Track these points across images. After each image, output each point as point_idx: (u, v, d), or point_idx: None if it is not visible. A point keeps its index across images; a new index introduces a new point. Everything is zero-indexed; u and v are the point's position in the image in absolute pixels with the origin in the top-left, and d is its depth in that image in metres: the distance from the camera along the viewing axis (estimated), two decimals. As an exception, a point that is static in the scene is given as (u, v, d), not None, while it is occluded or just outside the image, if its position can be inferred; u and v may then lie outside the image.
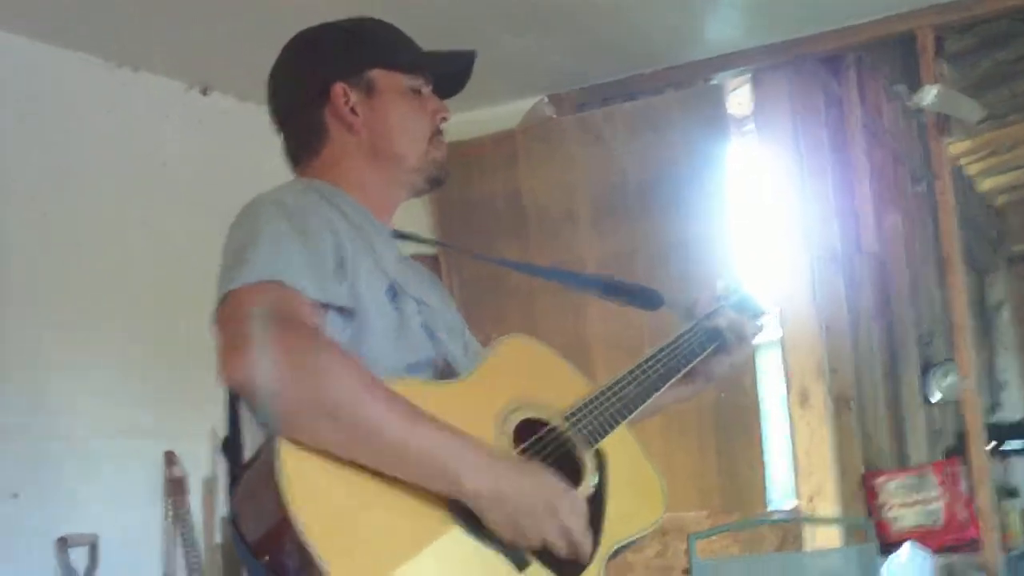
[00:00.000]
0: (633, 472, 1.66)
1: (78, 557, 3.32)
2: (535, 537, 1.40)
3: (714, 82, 4.26)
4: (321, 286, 1.45)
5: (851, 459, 3.95)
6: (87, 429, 3.45)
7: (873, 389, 4.24)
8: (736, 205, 4.18)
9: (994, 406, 6.60)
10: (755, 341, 2.01)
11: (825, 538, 3.66)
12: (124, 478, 3.53)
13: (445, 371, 1.62)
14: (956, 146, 5.67)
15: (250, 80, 4.04)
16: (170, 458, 3.59)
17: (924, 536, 3.79)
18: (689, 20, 3.89)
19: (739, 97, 4.43)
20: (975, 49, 4.84)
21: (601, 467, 1.59)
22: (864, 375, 4.18)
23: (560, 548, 1.42)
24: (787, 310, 3.93)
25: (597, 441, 1.61)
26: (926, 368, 4.71)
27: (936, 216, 4.17)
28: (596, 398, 1.66)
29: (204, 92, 4.02)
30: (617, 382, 1.71)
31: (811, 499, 3.74)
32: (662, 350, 1.83)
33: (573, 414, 1.61)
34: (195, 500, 3.65)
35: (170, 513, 3.56)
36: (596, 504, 1.54)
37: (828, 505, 3.73)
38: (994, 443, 4.95)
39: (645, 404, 1.73)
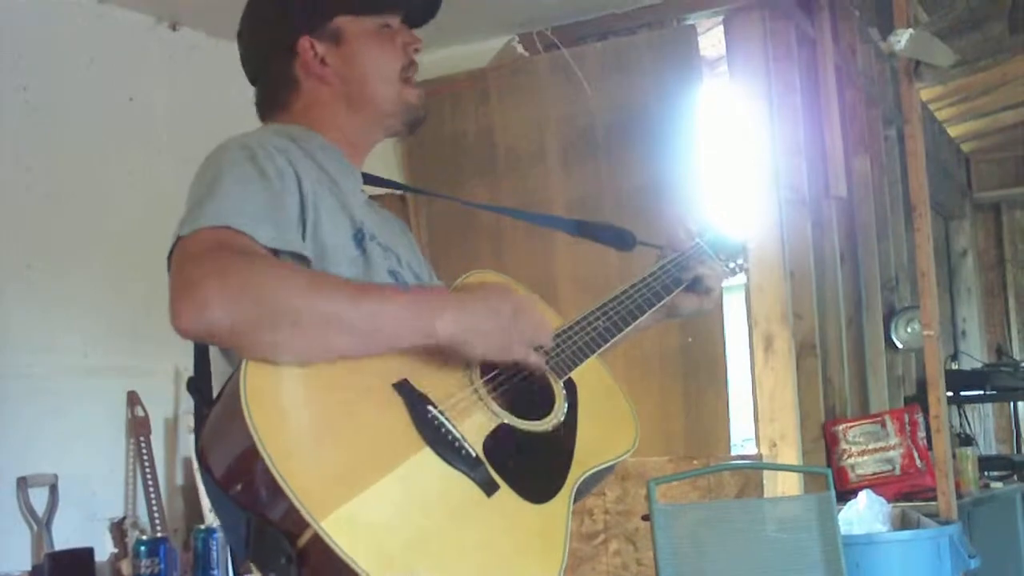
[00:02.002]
0: (605, 403, 1.67)
1: (38, 497, 3.32)
2: (520, 344, 1.47)
3: (687, 22, 4.21)
4: (276, 231, 1.44)
5: (813, 406, 3.98)
6: (49, 368, 3.42)
7: (837, 335, 4.27)
8: (706, 147, 4.16)
9: (955, 354, 6.66)
10: (728, 281, 2.02)
11: (786, 485, 3.70)
12: (86, 418, 3.51)
13: None
14: (928, 91, 5.66)
15: (220, 15, 3.94)
16: (132, 398, 3.57)
17: (881, 483, 3.84)
18: (663, -40, 3.84)
19: (711, 38, 4.40)
20: (950, -8, 4.82)
21: (572, 397, 1.59)
22: (829, 321, 4.21)
23: (543, 339, 1.52)
24: (754, 255, 3.93)
25: (567, 372, 1.61)
26: (890, 314, 4.75)
27: (905, 161, 4.16)
28: (566, 331, 1.66)
29: (173, 27, 3.94)
30: (587, 316, 1.72)
31: (773, 445, 3.78)
32: (633, 286, 1.84)
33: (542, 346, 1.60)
34: (157, 440, 3.63)
35: (132, 453, 3.55)
36: (567, 433, 1.55)
37: (790, 451, 3.77)
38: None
39: (616, 338, 1.73)
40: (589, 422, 1.59)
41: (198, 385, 1.44)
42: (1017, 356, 7.07)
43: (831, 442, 4.05)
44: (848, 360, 4.36)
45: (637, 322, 1.79)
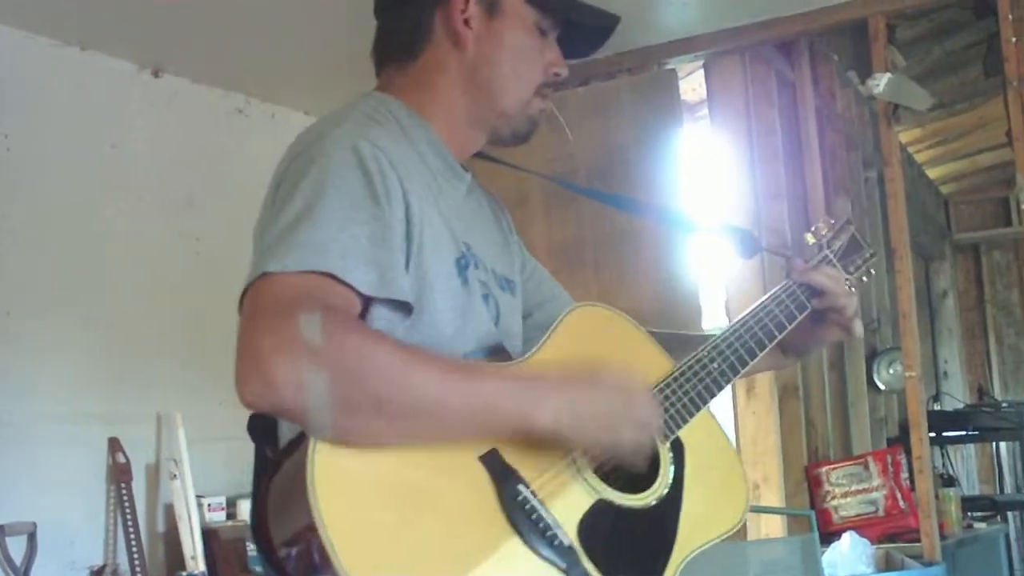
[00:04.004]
0: (715, 467, 1.48)
1: (16, 546, 3.28)
2: (625, 440, 1.31)
3: (667, 67, 4.25)
4: (380, 275, 1.25)
5: (796, 448, 3.98)
6: (28, 415, 3.40)
7: (819, 377, 4.28)
8: (687, 191, 4.18)
9: (937, 395, 6.67)
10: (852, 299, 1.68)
11: (769, 527, 3.69)
12: (66, 465, 3.48)
13: (499, 353, 1.45)
14: (906, 134, 5.72)
15: (202, 62, 4.02)
16: (114, 444, 3.55)
17: (865, 525, 3.84)
18: (642, 5, 3.87)
19: (692, 82, 4.43)
20: (926, 37, 4.88)
21: (679, 461, 1.43)
22: (810, 363, 4.21)
23: (651, 425, 1.35)
24: (735, 298, 3.94)
25: (674, 431, 1.43)
26: (872, 355, 4.76)
27: (886, 203, 4.19)
28: (676, 378, 1.47)
29: (156, 74, 3.94)
30: (700, 356, 1.51)
31: (756, 488, 3.77)
32: (753, 314, 1.60)
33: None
34: (138, 487, 3.60)
35: (112, 500, 3.52)
36: (671, 507, 1.39)
37: (773, 494, 3.76)
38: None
39: (733, 380, 1.53)
40: (696, 492, 1.42)
41: (264, 422, 1.27)
42: (998, 396, 7.08)
43: (814, 484, 4.05)
44: (830, 402, 4.36)
45: (754, 361, 1.56)
